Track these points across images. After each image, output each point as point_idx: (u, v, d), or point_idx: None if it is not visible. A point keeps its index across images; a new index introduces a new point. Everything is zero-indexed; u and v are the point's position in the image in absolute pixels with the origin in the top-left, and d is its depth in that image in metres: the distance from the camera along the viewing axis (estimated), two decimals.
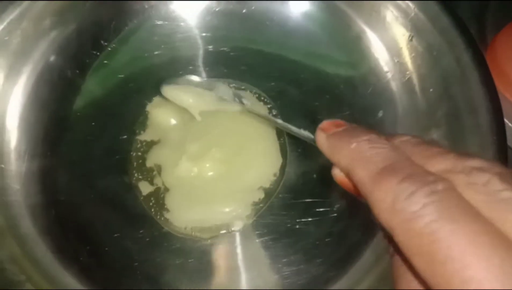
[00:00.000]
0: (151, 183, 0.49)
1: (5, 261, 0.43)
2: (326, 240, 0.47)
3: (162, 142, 0.50)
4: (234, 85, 0.53)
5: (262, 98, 0.52)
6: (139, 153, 0.50)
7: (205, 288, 0.45)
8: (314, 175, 0.49)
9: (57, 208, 0.47)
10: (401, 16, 0.50)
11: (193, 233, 0.47)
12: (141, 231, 0.47)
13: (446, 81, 0.47)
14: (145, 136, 0.51)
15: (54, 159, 0.49)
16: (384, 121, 0.51)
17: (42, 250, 0.45)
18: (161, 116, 0.51)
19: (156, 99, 0.52)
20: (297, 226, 0.47)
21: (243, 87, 0.53)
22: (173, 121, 0.51)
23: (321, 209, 0.48)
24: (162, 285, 0.45)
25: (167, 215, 0.47)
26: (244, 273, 0.46)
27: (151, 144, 0.50)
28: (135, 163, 0.49)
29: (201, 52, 0.54)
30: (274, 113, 0.51)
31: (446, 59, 0.47)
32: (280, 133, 0.50)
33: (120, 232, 0.47)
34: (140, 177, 0.49)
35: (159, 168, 0.49)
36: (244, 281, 0.45)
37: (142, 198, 0.48)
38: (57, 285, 0.43)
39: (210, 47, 0.54)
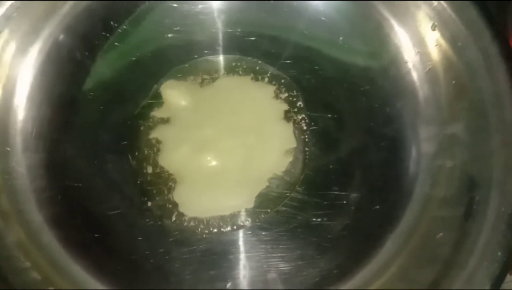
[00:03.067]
0: (160, 170, 0.48)
1: (10, 247, 0.42)
2: (342, 233, 0.46)
3: (171, 123, 0.49)
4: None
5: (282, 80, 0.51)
6: (150, 138, 0.49)
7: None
8: (331, 166, 0.48)
9: (64, 193, 0.46)
10: (424, 4, 0.48)
11: (200, 223, 0.46)
12: (149, 219, 0.46)
13: (470, 74, 0.46)
14: (157, 115, 0.50)
15: (61, 143, 0.48)
16: (403, 112, 0.49)
17: (49, 237, 0.44)
18: (174, 97, 0.50)
19: (170, 81, 0.51)
20: (313, 219, 0.46)
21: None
22: (184, 103, 0.50)
23: (337, 202, 0.47)
24: (168, 274, 0.44)
25: (175, 204, 0.47)
26: (249, 267, 0.45)
27: (161, 124, 0.49)
28: (145, 149, 0.49)
29: (217, 36, 0.52)
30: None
31: (471, 51, 0.45)
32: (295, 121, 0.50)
33: (128, 220, 0.46)
34: (148, 162, 0.48)
35: (159, 148, 0.48)
36: (250, 275, 0.45)
37: (150, 185, 0.47)
38: (64, 273, 0.42)
39: (225, 31, 0.53)
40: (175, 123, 0.49)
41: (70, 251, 0.44)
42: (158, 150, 0.48)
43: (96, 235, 0.45)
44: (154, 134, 0.49)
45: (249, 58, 0.52)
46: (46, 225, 0.45)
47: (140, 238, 0.45)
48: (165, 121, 0.49)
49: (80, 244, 0.44)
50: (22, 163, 0.47)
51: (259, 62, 0.51)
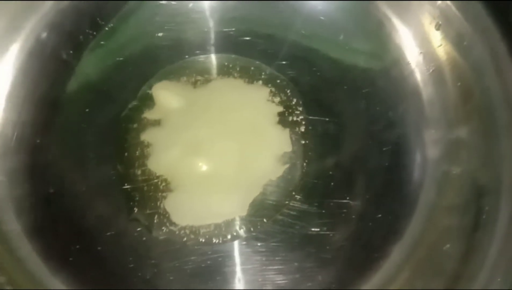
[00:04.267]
0: (149, 175, 0.46)
1: None
2: (343, 244, 0.44)
3: (162, 125, 0.48)
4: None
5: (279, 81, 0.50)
6: (138, 141, 0.47)
7: None
8: (330, 172, 0.47)
9: (46, 201, 0.45)
10: (427, 2, 0.48)
11: (191, 233, 0.44)
12: (137, 229, 0.44)
13: (477, 74, 0.45)
14: (148, 117, 0.48)
15: (43, 147, 0.46)
16: (406, 116, 0.48)
17: (27, 249, 0.42)
18: (166, 99, 0.48)
19: (162, 82, 0.49)
20: (312, 229, 0.45)
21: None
22: (176, 104, 0.48)
23: (337, 211, 0.45)
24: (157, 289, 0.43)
25: (165, 212, 0.45)
26: (244, 281, 0.43)
27: (151, 126, 0.48)
28: (133, 154, 0.47)
29: (209, 36, 0.51)
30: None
31: (478, 50, 0.45)
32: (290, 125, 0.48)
33: (114, 230, 0.44)
34: (136, 167, 0.46)
35: (148, 152, 0.47)
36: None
37: (139, 192, 0.45)
38: (42, 288, 0.41)
39: (218, 30, 0.51)
40: (167, 125, 0.48)
41: (50, 264, 0.42)
42: (147, 154, 0.47)
43: (78, 246, 0.43)
44: (143, 137, 0.47)
45: (243, 58, 0.50)
46: (24, 236, 0.43)
47: (126, 250, 0.44)
48: (156, 123, 0.48)
49: (62, 256, 0.43)
50: (1, 168, 0.45)
51: (254, 62, 0.50)
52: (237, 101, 0.48)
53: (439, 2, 0.47)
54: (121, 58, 0.50)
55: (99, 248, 0.43)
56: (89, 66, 0.49)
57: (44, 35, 0.48)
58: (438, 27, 0.47)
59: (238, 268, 0.43)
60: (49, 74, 0.48)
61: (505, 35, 0.42)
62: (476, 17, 0.45)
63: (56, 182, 0.45)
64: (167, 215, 0.44)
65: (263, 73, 0.50)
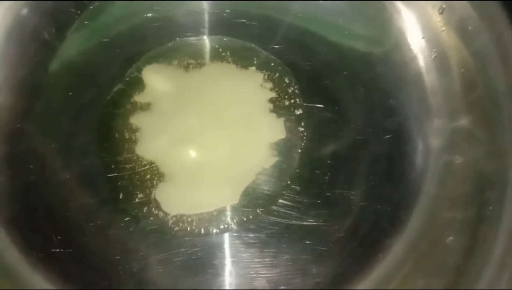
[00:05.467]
0: (136, 163, 0.45)
1: None
2: (340, 236, 0.43)
3: (152, 110, 0.47)
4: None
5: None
6: (125, 127, 0.46)
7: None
8: (328, 162, 0.45)
9: (26, 191, 0.43)
10: None
11: (181, 223, 0.43)
12: (124, 219, 0.43)
13: (482, 61, 0.44)
14: (137, 100, 0.47)
15: (24, 133, 0.45)
16: (407, 103, 0.47)
17: (5, 243, 0.41)
18: (156, 82, 0.47)
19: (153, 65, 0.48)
20: (308, 220, 0.43)
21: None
22: (167, 88, 0.47)
23: (335, 202, 0.44)
24: (145, 283, 0.41)
25: (153, 201, 0.44)
26: (235, 273, 0.42)
27: (140, 111, 0.47)
28: (119, 140, 0.45)
29: (201, 17, 0.50)
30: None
31: (483, 36, 0.44)
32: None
33: (99, 220, 0.43)
34: (123, 154, 0.45)
35: (136, 138, 0.46)
36: (236, 283, 0.42)
37: (125, 180, 0.44)
38: (23, 285, 0.39)
39: (211, 11, 0.50)
40: (156, 110, 0.47)
41: (30, 259, 0.41)
42: (135, 140, 0.45)
43: (60, 237, 0.42)
44: (131, 122, 0.46)
45: (237, 41, 0.49)
46: (2, 229, 0.42)
47: (112, 241, 0.42)
48: (145, 107, 0.47)
49: (43, 250, 0.41)
50: None
51: (249, 46, 0.49)
52: (230, 87, 0.47)
53: None
54: (106, 39, 0.49)
55: (83, 239, 0.42)
56: (72, 48, 0.49)
57: (24, 13, 0.47)
58: (441, 11, 0.46)
59: (229, 261, 0.42)
60: (30, 56, 0.47)
61: None
62: (481, 2, 0.44)
63: (37, 171, 0.44)
64: (155, 205, 0.43)
65: (257, 57, 0.48)
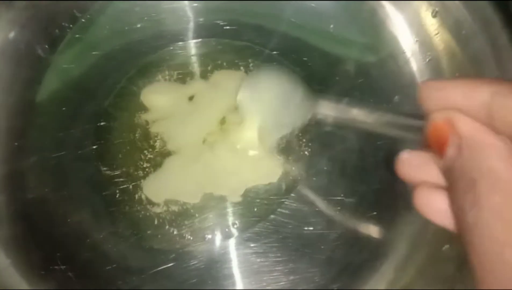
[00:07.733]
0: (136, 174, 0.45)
1: None
2: (337, 243, 0.43)
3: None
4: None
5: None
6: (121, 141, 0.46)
7: None
8: (325, 168, 0.45)
9: (24, 207, 0.43)
10: None
11: (181, 237, 0.43)
12: (124, 233, 0.43)
13: (476, 65, 0.44)
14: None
15: (21, 150, 0.45)
16: (401, 107, 0.47)
17: (4, 263, 0.41)
18: (157, 102, 0.47)
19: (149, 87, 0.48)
20: (305, 228, 0.43)
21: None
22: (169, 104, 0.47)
23: (331, 208, 0.44)
24: None
25: (154, 215, 0.43)
26: (235, 284, 0.42)
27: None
28: (117, 155, 0.45)
29: (191, 26, 0.50)
30: None
31: (477, 40, 0.44)
32: None
33: (99, 234, 0.43)
34: (120, 168, 0.45)
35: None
36: None
37: (124, 196, 0.44)
38: None
39: (202, 19, 0.50)
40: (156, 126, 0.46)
41: (29, 278, 0.41)
42: (132, 154, 0.45)
43: (59, 254, 0.42)
44: (130, 136, 0.46)
45: (230, 49, 0.49)
46: (1, 249, 0.42)
47: (115, 254, 0.42)
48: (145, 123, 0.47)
49: (41, 269, 0.41)
50: None
51: (241, 54, 0.49)
52: (224, 98, 0.47)
53: None
54: (99, 52, 0.49)
55: (81, 258, 0.42)
56: (65, 62, 0.48)
57: (16, 29, 0.47)
58: (434, 14, 0.46)
59: (232, 271, 0.42)
60: (23, 72, 0.47)
61: (507, 23, 0.41)
62: (475, 4, 0.43)
63: (35, 187, 0.44)
64: (155, 218, 0.43)
65: (250, 65, 0.48)
